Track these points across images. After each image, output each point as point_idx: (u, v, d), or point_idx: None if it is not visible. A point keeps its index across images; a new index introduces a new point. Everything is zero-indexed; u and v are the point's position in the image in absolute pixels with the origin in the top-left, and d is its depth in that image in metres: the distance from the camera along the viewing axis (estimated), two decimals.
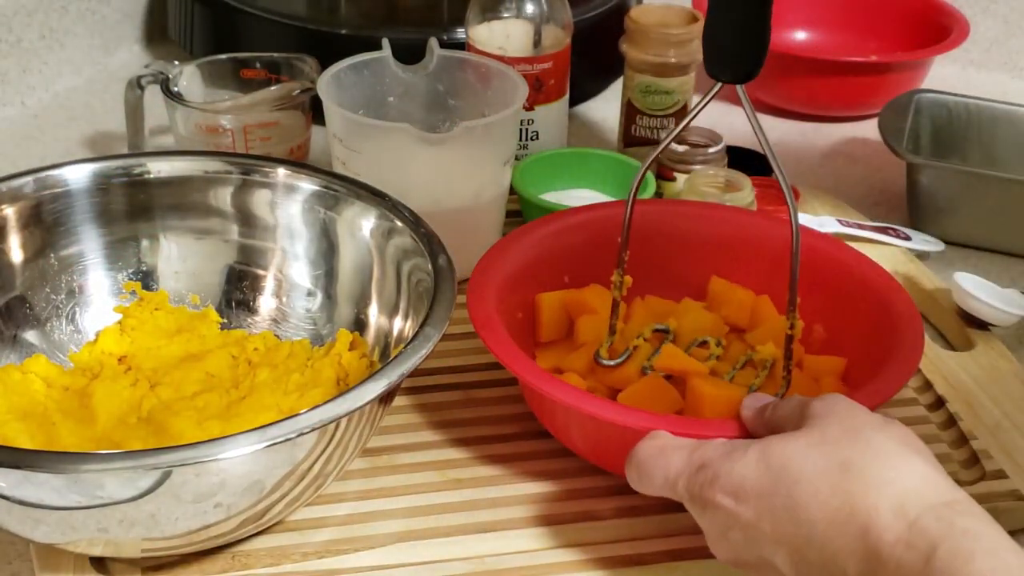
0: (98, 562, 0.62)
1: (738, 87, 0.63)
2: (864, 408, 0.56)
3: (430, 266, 0.67)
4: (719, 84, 0.63)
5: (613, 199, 0.92)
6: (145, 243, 0.76)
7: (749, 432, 0.60)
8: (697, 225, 0.80)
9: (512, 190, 0.89)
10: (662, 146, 0.69)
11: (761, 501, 0.53)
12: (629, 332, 0.74)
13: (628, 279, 0.71)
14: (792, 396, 0.59)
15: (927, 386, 0.77)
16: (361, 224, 0.73)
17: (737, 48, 0.62)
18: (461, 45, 0.95)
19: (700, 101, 0.65)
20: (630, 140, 1.00)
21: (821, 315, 0.75)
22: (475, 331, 0.68)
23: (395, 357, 0.60)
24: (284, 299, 0.76)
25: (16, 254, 0.72)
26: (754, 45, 0.61)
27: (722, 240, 0.79)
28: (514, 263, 0.74)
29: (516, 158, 0.93)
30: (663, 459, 0.58)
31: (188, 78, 0.97)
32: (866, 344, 0.71)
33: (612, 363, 0.72)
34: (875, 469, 0.51)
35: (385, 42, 0.88)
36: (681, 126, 0.68)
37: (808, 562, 0.52)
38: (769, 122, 1.15)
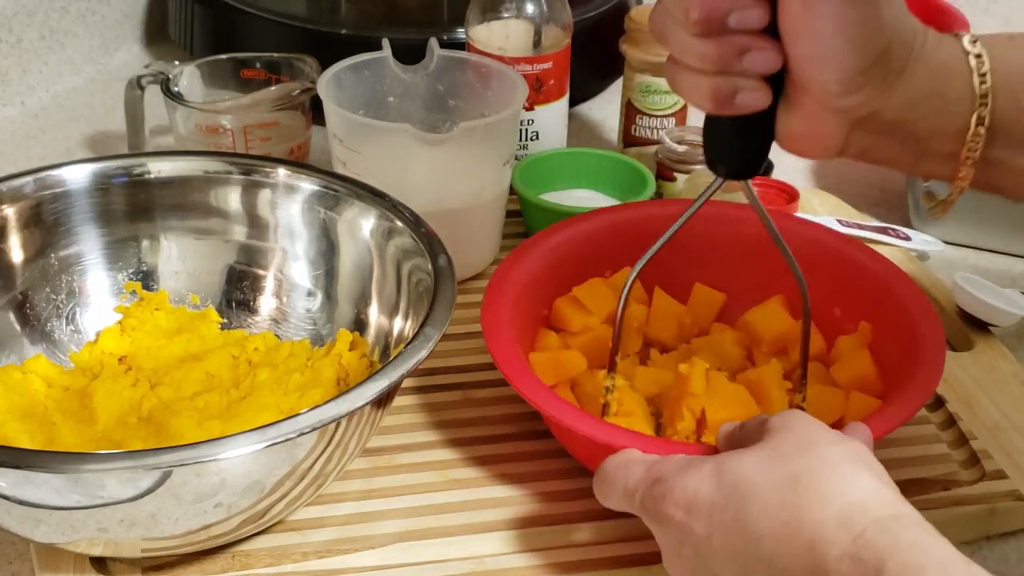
0: (98, 562, 0.62)
1: (743, 183, 0.61)
2: (821, 424, 0.55)
3: (430, 266, 0.67)
4: (720, 180, 0.61)
5: (612, 200, 0.92)
6: (145, 243, 0.76)
7: (704, 446, 0.60)
8: (717, 227, 0.78)
9: (512, 190, 0.89)
10: (650, 252, 0.65)
11: (712, 515, 0.52)
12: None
13: (621, 380, 0.69)
14: (760, 415, 0.58)
15: None
16: (361, 224, 0.73)
17: (738, 146, 0.59)
18: (461, 45, 0.95)
19: (701, 195, 0.62)
20: (630, 140, 1.00)
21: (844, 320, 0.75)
22: (489, 352, 0.67)
23: (395, 357, 0.60)
24: (284, 299, 0.76)
25: (16, 254, 0.72)
26: (757, 143, 0.58)
27: (740, 240, 0.77)
28: (528, 271, 0.74)
29: (516, 158, 0.93)
30: (624, 471, 0.58)
31: (188, 78, 0.97)
32: (887, 357, 0.71)
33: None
34: (823, 483, 0.50)
35: (385, 42, 0.88)
36: (679, 222, 0.64)
37: None
38: None
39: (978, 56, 0.55)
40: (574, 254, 0.76)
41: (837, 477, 0.51)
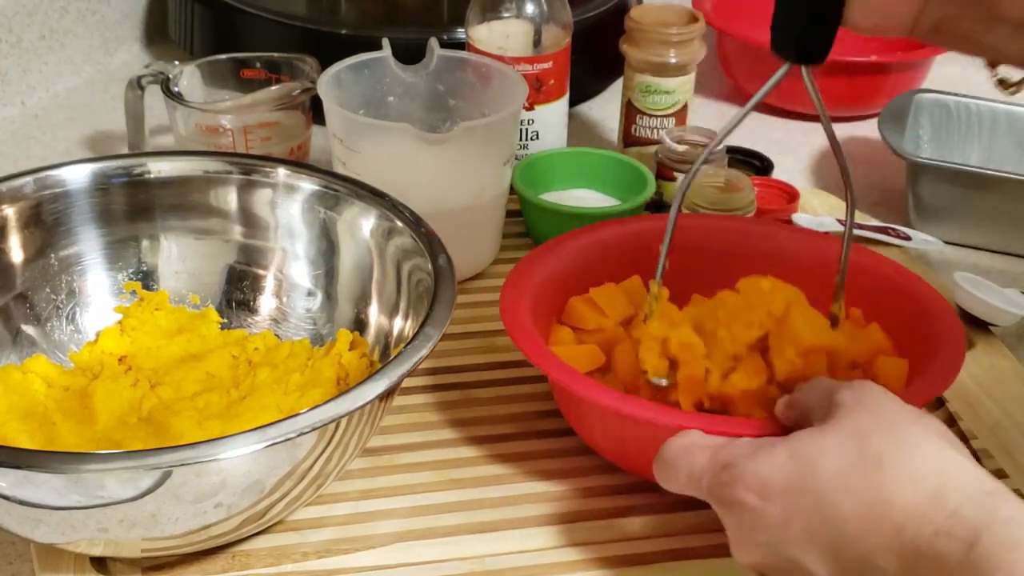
0: (98, 562, 0.62)
1: (803, 68, 0.61)
2: (896, 399, 0.54)
3: (430, 266, 0.67)
4: (787, 65, 0.61)
5: (612, 199, 0.92)
6: (145, 243, 0.76)
7: (780, 422, 0.58)
8: (736, 240, 0.79)
9: (512, 190, 0.89)
10: (714, 144, 0.67)
11: (789, 499, 0.52)
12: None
13: (665, 291, 0.69)
14: (819, 379, 0.57)
15: None
16: (361, 224, 0.73)
17: (808, 26, 0.59)
18: (461, 45, 0.95)
19: (767, 85, 0.62)
20: (630, 140, 1.00)
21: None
22: (509, 334, 0.67)
23: (395, 357, 0.60)
24: (284, 299, 0.76)
25: (16, 254, 0.72)
26: (825, 24, 0.58)
27: (761, 254, 0.77)
28: (548, 272, 0.74)
29: (516, 158, 0.93)
30: (688, 456, 0.57)
31: (188, 78, 0.97)
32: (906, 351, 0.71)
33: (665, 382, 0.68)
34: (910, 464, 0.50)
35: (385, 42, 0.88)
36: (749, 106, 0.64)
37: (842, 561, 0.50)
38: (770, 122, 1.15)
39: None
40: (596, 258, 0.76)
41: (924, 456, 0.50)
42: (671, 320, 0.70)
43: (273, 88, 0.96)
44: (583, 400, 0.65)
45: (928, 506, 0.48)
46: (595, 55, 1.11)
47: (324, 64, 0.88)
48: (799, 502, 0.51)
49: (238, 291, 0.77)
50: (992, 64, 0.58)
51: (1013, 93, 0.59)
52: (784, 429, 0.57)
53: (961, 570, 0.46)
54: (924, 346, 0.69)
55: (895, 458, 0.50)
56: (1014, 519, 0.47)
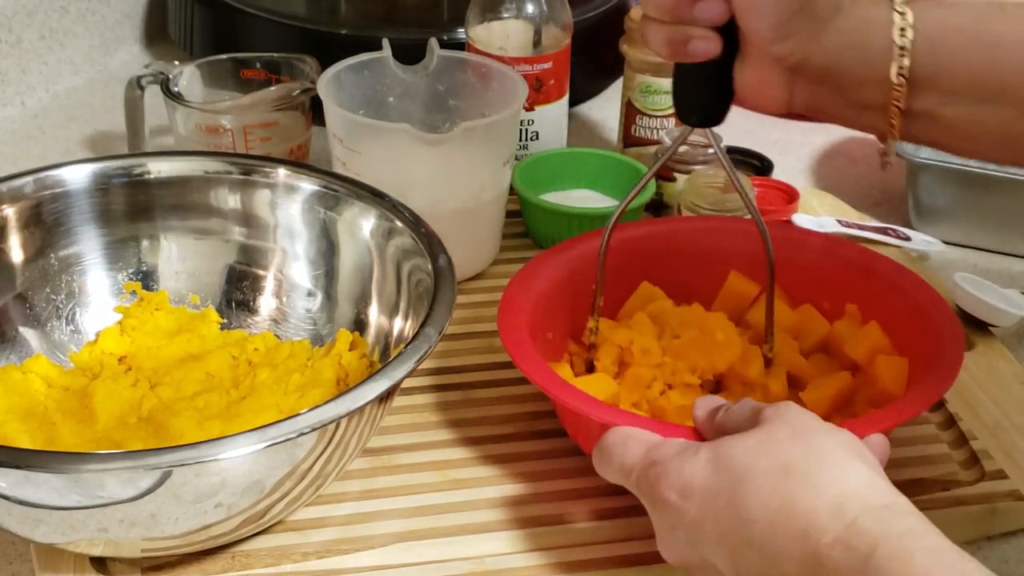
0: (98, 562, 0.62)
1: (710, 132, 0.69)
2: (814, 415, 0.56)
3: (430, 266, 0.67)
4: (689, 128, 0.68)
5: (612, 200, 0.92)
6: (145, 243, 0.76)
7: (700, 433, 0.60)
8: (721, 240, 0.79)
9: (512, 190, 0.89)
10: (642, 182, 0.71)
11: (706, 499, 0.53)
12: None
13: (606, 321, 0.73)
14: (745, 400, 0.59)
15: None
16: (361, 224, 0.73)
17: (704, 99, 0.65)
18: (461, 45, 0.95)
19: (674, 142, 0.71)
20: (630, 140, 1.00)
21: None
22: (505, 348, 0.67)
23: (395, 357, 0.60)
24: (284, 299, 0.76)
25: (16, 254, 0.72)
26: (717, 94, 0.64)
27: (748, 255, 0.77)
28: (546, 283, 0.74)
29: (516, 158, 0.93)
30: (623, 448, 0.59)
31: (188, 78, 0.97)
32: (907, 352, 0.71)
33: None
34: (817, 471, 0.51)
35: (385, 42, 0.88)
36: (656, 165, 0.72)
37: (748, 563, 0.52)
38: (769, 122, 1.15)
39: (902, 13, 0.60)
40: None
41: (830, 465, 0.52)
42: (639, 326, 0.73)
43: (273, 88, 0.96)
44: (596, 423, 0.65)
45: (828, 515, 0.49)
46: (595, 55, 1.11)
47: (324, 64, 0.88)
48: (714, 502, 0.53)
49: (238, 291, 0.77)
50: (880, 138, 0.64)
51: (884, 166, 0.65)
52: (704, 435, 0.60)
53: None
54: (923, 348, 0.69)
55: (803, 465, 0.52)
56: (911, 531, 0.48)
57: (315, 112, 0.95)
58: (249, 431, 0.54)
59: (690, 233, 0.80)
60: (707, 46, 0.61)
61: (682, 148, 0.93)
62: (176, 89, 0.95)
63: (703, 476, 0.54)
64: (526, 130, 0.96)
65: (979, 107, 0.59)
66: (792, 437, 0.53)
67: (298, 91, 0.95)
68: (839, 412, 0.71)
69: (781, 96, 0.63)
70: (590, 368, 0.73)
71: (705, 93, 0.65)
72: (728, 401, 0.60)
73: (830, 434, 0.54)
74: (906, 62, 0.59)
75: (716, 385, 0.73)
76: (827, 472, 0.51)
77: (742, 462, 0.53)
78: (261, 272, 0.77)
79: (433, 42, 0.89)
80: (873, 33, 0.60)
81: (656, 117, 0.98)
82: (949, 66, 0.59)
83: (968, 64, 0.59)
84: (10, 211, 0.72)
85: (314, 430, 0.55)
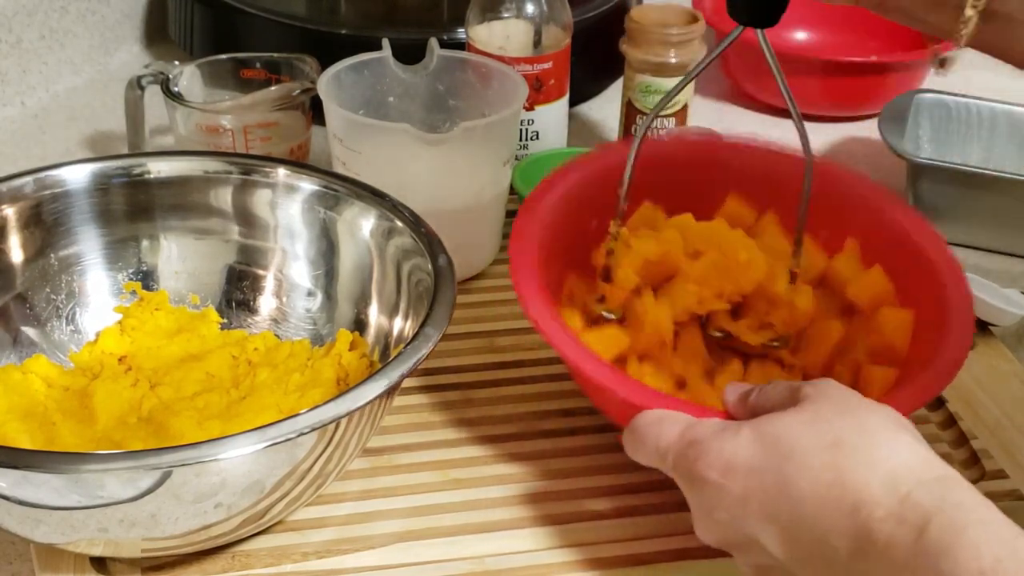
0: (98, 562, 0.62)
1: (758, 31, 0.65)
2: (856, 392, 0.56)
3: (430, 266, 0.67)
4: (740, 27, 0.65)
5: None
6: (145, 243, 0.76)
7: (733, 417, 0.59)
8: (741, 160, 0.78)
9: (512, 190, 0.89)
10: (673, 91, 0.69)
11: (751, 476, 0.53)
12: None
13: (625, 231, 0.71)
14: (778, 381, 0.59)
15: None
16: (361, 224, 0.73)
17: None
18: (461, 45, 0.95)
19: (721, 43, 0.66)
20: None
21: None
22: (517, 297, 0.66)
23: (395, 357, 0.60)
24: (284, 299, 0.76)
25: (16, 254, 0.72)
26: None
27: (765, 179, 0.77)
28: (554, 206, 0.73)
29: (516, 158, 0.93)
30: (657, 428, 0.58)
31: (188, 78, 0.97)
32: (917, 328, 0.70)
33: (613, 316, 0.71)
34: (867, 446, 0.51)
35: (385, 42, 0.88)
36: (700, 67, 0.69)
37: (798, 540, 0.51)
38: (770, 122, 1.15)
39: None
40: (596, 191, 0.75)
41: (880, 441, 0.51)
42: (668, 242, 0.72)
43: (273, 88, 0.95)
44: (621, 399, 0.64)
45: (881, 489, 0.49)
46: (595, 55, 1.11)
47: (324, 64, 0.88)
48: (760, 480, 0.53)
49: (238, 291, 0.77)
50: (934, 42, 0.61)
51: (943, 69, 0.63)
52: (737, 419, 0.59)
53: (911, 555, 0.47)
54: (927, 297, 0.69)
55: (852, 441, 0.51)
56: (963, 504, 0.48)
57: (315, 112, 0.95)
58: (249, 431, 0.54)
59: (690, 149, 0.80)
60: None
61: None
62: (176, 89, 0.95)
63: (746, 454, 0.53)
64: (526, 130, 0.96)
65: None
66: (838, 413, 0.53)
67: (298, 91, 0.95)
68: (840, 360, 0.71)
69: None
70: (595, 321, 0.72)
71: None
72: (757, 386, 0.60)
73: (876, 410, 0.54)
74: None
75: (739, 306, 0.72)
76: (878, 447, 0.51)
77: (788, 439, 0.52)
78: (261, 272, 0.77)
79: (433, 42, 0.89)
80: None
81: (656, 117, 0.98)
82: None
83: None
84: (10, 211, 0.72)
85: (314, 430, 0.55)
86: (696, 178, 0.77)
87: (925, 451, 0.52)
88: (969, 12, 0.58)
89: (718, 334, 0.73)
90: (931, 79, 1.15)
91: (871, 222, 0.75)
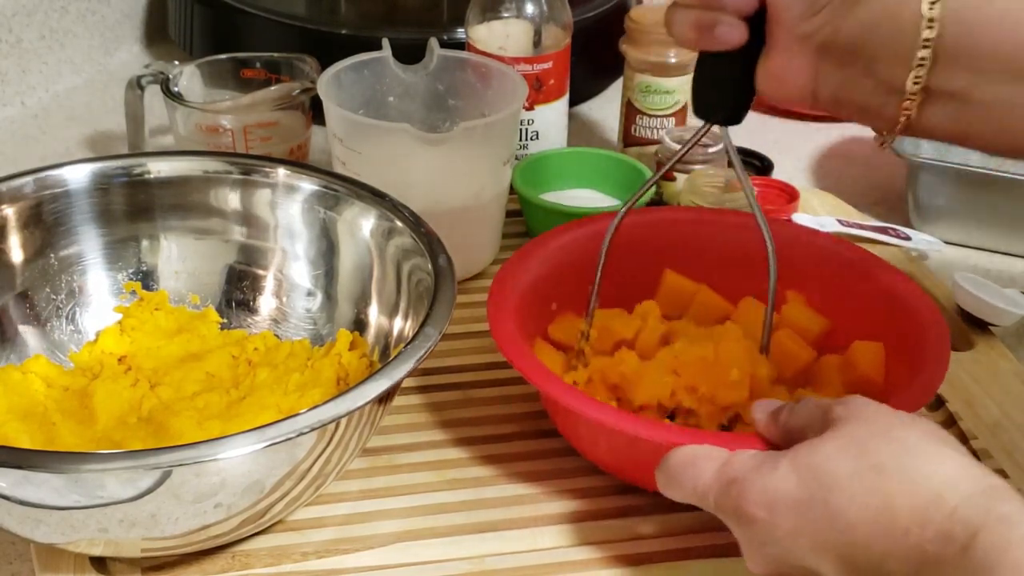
0: (98, 562, 0.62)
1: (723, 129, 0.68)
2: (887, 407, 0.55)
3: (430, 266, 0.67)
4: (707, 125, 0.67)
5: (612, 199, 0.92)
6: (145, 243, 0.76)
7: (765, 438, 0.59)
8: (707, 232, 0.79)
9: (512, 190, 0.89)
10: (648, 184, 0.72)
11: (798, 512, 0.52)
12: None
13: (594, 334, 0.73)
14: (807, 399, 0.58)
15: None
16: (361, 224, 0.73)
17: (726, 96, 0.65)
18: (461, 45, 0.95)
19: (692, 138, 0.69)
20: (630, 140, 1.00)
21: (845, 323, 0.75)
22: (499, 349, 0.67)
23: (395, 357, 0.60)
24: (284, 299, 0.76)
25: (16, 254, 0.72)
26: (742, 92, 0.64)
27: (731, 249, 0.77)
28: (534, 273, 0.73)
29: (516, 158, 0.93)
30: (693, 469, 0.57)
31: (188, 78, 0.97)
32: (891, 353, 0.71)
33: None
34: (911, 466, 0.50)
35: (385, 42, 0.88)
36: (671, 163, 0.72)
37: (856, 566, 0.51)
38: (769, 122, 1.15)
39: None
40: (582, 256, 0.75)
41: (923, 458, 0.51)
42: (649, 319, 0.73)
43: (273, 88, 0.96)
44: (591, 421, 0.64)
45: (929, 508, 0.49)
46: (595, 55, 1.11)
47: (324, 64, 0.88)
48: (808, 514, 0.52)
49: (238, 291, 0.77)
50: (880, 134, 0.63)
51: (884, 146, 0.64)
52: (770, 439, 0.59)
53: (959, 572, 0.47)
54: (909, 346, 0.69)
55: (895, 462, 0.51)
56: (1008, 517, 0.47)
57: (315, 112, 0.95)
58: (249, 431, 0.54)
59: (677, 223, 0.80)
60: (734, 33, 0.61)
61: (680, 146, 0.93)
62: (176, 89, 0.95)
63: (787, 488, 0.53)
64: (526, 130, 0.96)
65: (1014, 87, 0.57)
66: (874, 435, 0.52)
67: (298, 91, 0.95)
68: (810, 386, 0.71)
69: (806, 83, 0.62)
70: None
71: (727, 88, 0.64)
72: (784, 403, 0.59)
73: (911, 425, 0.53)
74: (932, 33, 0.57)
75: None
76: (921, 465, 0.50)
77: (828, 469, 0.52)
78: (261, 272, 0.77)
79: (433, 42, 0.89)
80: (905, 6, 0.57)
81: (656, 117, 0.98)
82: (981, 40, 0.57)
83: (1000, 38, 0.56)
84: (10, 211, 0.72)
85: (314, 430, 0.55)
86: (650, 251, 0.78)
87: (968, 463, 0.51)
88: (911, 87, 0.58)
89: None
90: None
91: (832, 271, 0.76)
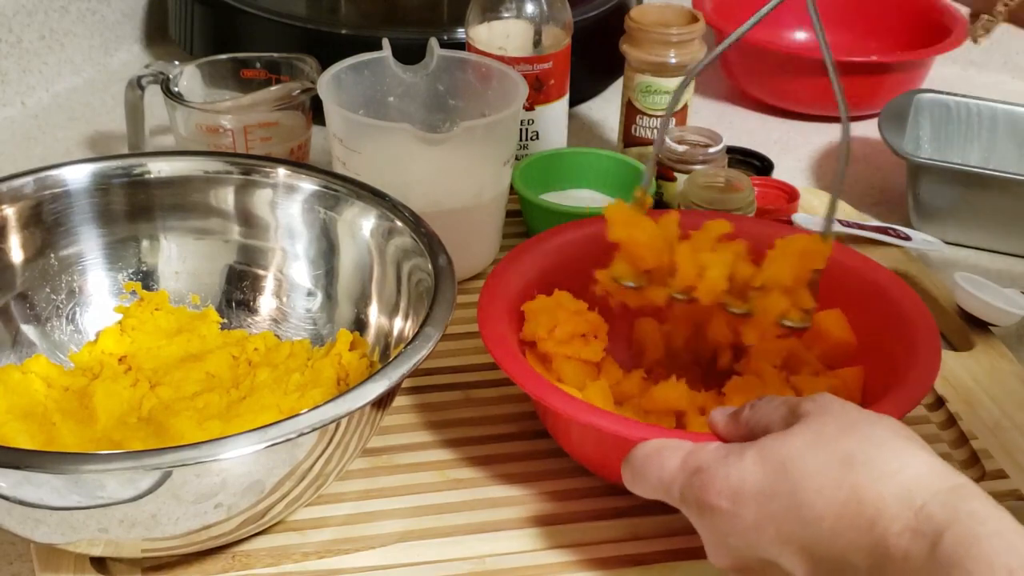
0: (98, 562, 0.62)
1: None
2: (855, 405, 0.55)
3: (430, 266, 0.67)
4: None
5: (612, 199, 0.92)
6: (145, 243, 0.76)
7: (726, 438, 0.59)
8: None
9: (512, 190, 0.89)
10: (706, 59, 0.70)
11: (762, 503, 0.52)
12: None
13: (648, 199, 0.72)
14: (771, 396, 0.58)
15: None
16: (361, 224, 0.73)
17: None
18: (461, 45, 0.95)
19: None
20: (630, 140, 1.00)
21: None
22: (487, 348, 0.67)
23: (395, 357, 0.60)
24: (284, 299, 0.76)
25: (16, 254, 0.72)
26: None
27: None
28: (526, 274, 0.73)
29: (516, 158, 0.93)
30: (658, 459, 0.57)
31: (188, 78, 0.97)
32: (882, 354, 0.71)
33: (634, 284, 0.70)
34: (879, 461, 0.51)
35: (385, 42, 0.88)
36: (749, 24, 0.69)
37: (818, 559, 0.51)
38: (769, 122, 1.15)
39: None
40: (573, 257, 0.76)
41: (891, 453, 0.51)
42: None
43: (273, 88, 0.96)
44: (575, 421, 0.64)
45: (896, 503, 0.49)
46: (595, 55, 1.11)
47: (324, 64, 0.88)
48: (773, 505, 0.52)
49: (238, 291, 0.77)
50: (974, 15, 0.59)
51: (978, 37, 0.61)
52: (731, 440, 0.58)
53: (926, 568, 0.47)
54: (899, 348, 0.69)
55: (863, 457, 0.51)
56: (976, 514, 0.47)
57: (315, 112, 0.95)
58: (249, 431, 0.54)
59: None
60: None
61: (682, 148, 0.93)
62: (176, 89, 0.95)
63: (754, 479, 0.53)
64: (526, 130, 0.96)
65: None
66: (842, 430, 0.52)
67: (298, 91, 0.95)
68: (793, 371, 0.72)
69: None
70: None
71: None
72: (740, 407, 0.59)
73: (879, 422, 0.53)
74: None
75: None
76: (890, 460, 0.50)
77: (795, 460, 0.52)
78: (261, 272, 0.77)
79: (433, 42, 0.89)
80: None
81: (656, 117, 0.98)
82: None
83: None
84: (10, 211, 0.72)
85: (314, 430, 0.55)
86: None
87: (937, 461, 0.51)
88: None
89: (736, 311, 0.70)
90: (931, 79, 1.15)
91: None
